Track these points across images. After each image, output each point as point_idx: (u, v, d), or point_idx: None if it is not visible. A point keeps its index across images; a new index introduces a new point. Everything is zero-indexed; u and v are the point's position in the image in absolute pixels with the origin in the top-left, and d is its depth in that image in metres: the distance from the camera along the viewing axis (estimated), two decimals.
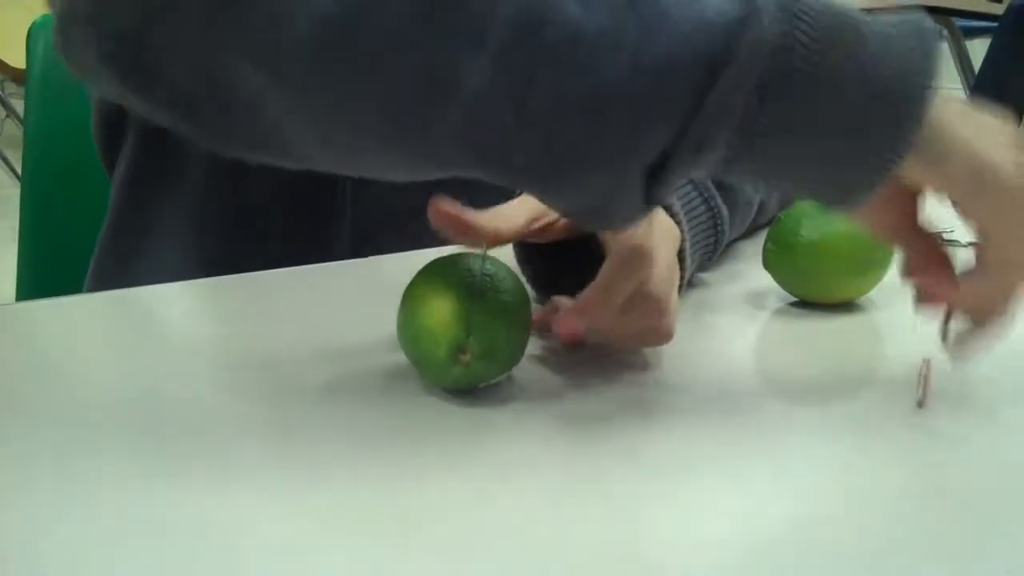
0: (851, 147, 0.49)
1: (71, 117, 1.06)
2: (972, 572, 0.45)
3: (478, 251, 0.58)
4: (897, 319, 0.71)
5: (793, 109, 0.48)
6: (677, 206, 0.67)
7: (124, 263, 0.89)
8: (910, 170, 0.50)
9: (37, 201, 1.09)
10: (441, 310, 0.56)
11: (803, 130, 0.48)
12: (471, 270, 0.57)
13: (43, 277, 1.07)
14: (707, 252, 0.72)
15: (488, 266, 0.57)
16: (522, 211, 0.63)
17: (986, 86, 2.31)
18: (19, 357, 0.65)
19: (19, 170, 1.14)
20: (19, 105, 3.42)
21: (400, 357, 0.60)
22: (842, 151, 0.49)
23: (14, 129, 3.68)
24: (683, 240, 0.66)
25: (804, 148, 0.49)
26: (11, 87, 3.96)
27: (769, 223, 0.77)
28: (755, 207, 0.80)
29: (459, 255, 0.59)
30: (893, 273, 0.70)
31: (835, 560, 0.45)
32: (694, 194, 0.70)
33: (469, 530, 0.47)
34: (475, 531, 0.47)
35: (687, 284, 0.72)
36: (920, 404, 0.58)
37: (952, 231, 0.83)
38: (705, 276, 0.76)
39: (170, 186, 0.86)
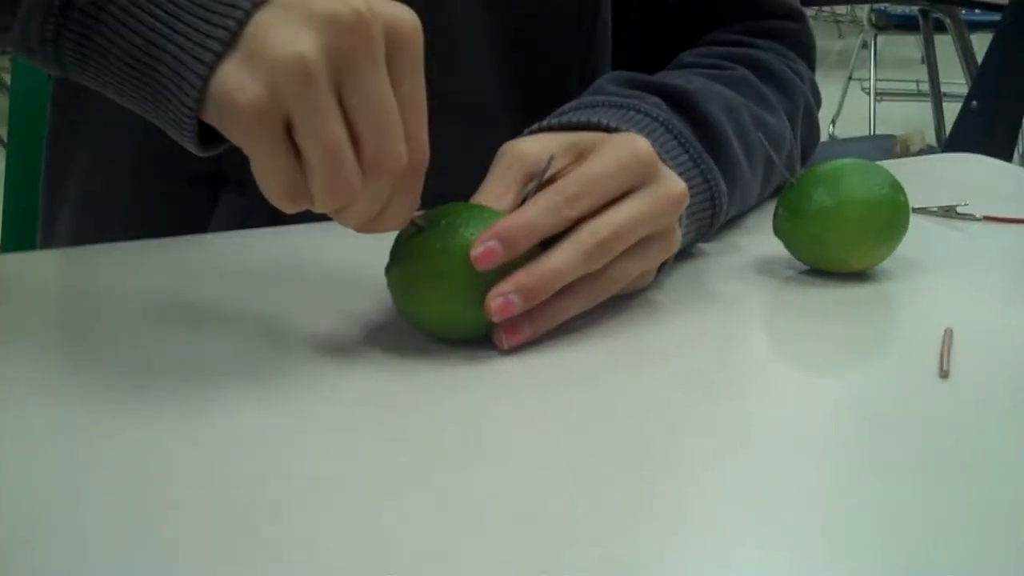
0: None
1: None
2: (997, 544, 0.42)
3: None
4: (914, 289, 0.68)
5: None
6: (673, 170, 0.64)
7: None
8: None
9: (23, 161, 1.06)
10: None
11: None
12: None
13: (27, 237, 1.05)
14: (703, 225, 0.69)
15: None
16: (511, 188, 0.61)
17: (988, 81, 2.29)
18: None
19: None
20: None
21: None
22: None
23: (6, 103, 3.65)
24: None
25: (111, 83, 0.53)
26: (3, 62, 3.93)
27: (776, 192, 0.75)
28: (756, 183, 0.76)
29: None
30: (909, 242, 0.68)
31: (854, 531, 0.43)
32: (689, 164, 0.67)
33: (478, 489, 0.45)
34: (480, 488, 0.45)
35: (680, 252, 0.68)
36: (943, 375, 0.55)
37: (966, 204, 0.81)
38: (707, 247, 0.73)
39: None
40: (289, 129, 0.50)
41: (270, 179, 0.50)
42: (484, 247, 0.55)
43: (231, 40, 0.49)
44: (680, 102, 0.71)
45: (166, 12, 0.50)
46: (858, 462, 0.48)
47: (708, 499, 0.45)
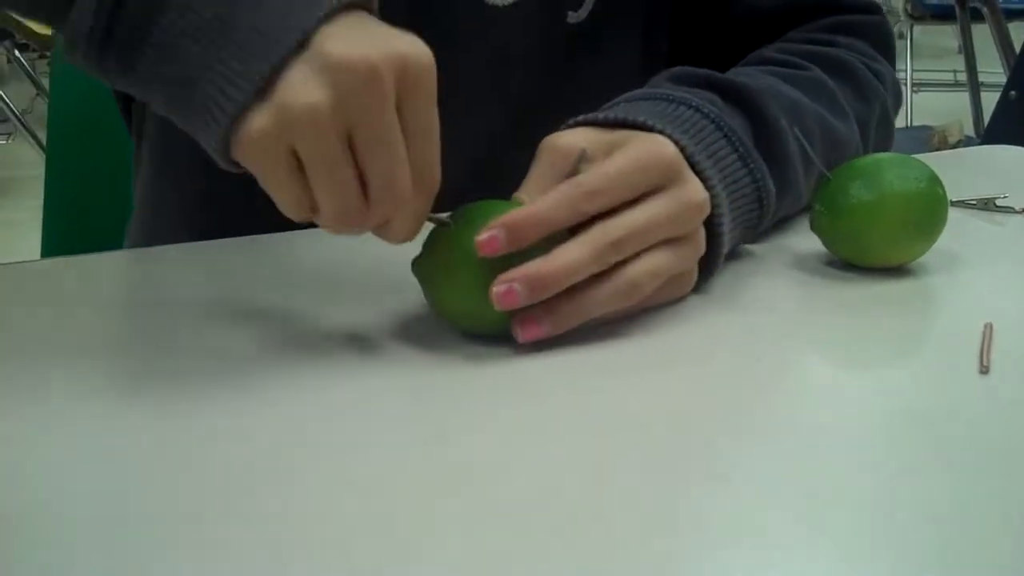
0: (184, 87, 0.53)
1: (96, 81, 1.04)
2: None
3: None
4: (953, 283, 0.67)
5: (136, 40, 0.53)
6: (711, 171, 0.64)
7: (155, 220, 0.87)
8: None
9: (62, 166, 1.07)
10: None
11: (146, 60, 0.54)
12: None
13: (66, 242, 1.06)
14: (749, 226, 0.69)
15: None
16: (553, 184, 0.60)
17: None
18: (38, 311, 0.63)
19: None
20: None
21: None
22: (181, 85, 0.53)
23: (45, 108, 3.68)
24: (717, 203, 0.63)
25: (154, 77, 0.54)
26: (42, 66, 3.97)
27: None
28: (808, 188, 0.75)
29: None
30: (947, 235, 0.68)
31: (894, 529, 0.42)
32: (738, 163, 0.66)
33: (495, 491, 0.45)
34: (503, 492, 0.45)
35: (725, 255, 0.68)
36: (983, 370, 0.55)
37: (1005, 196, 0.81)
38: (742, 246, 0.73)
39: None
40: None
41: (280, 202, 0.54)
42: (488, 234, 0.55)
43: (262, 85, 0.51)
44: (739, 99, 0.70)
45: (203, 49, 0.53)
46: (898, 459, 0.48)
47: (747, 499, 0.45)
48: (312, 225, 0.75)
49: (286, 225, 0.74)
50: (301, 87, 0.51)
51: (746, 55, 0.84)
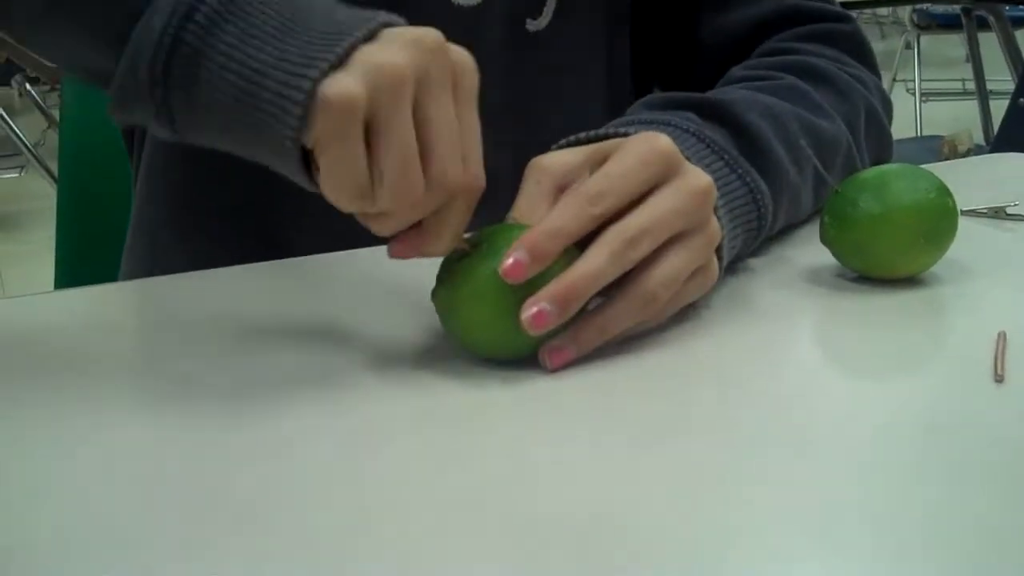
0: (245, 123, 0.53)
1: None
2: None
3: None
4: (965, 293, 0.67)
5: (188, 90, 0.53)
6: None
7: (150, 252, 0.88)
8: None
9: (73, 197, 1.08)
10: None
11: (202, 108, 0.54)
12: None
13: (78, 273, 1.07)
14: (750, 230, 0.69)
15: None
16: (544, 201, 0.61)
17: None
18: (51, 342, 0.63)
19: None
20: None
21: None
22: (240, 124, 0.53)
23: (57, 140, 3.71)
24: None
25: (213, 121, 0.54)
26: (53, 99, 4.01)
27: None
28: (807, 190, 0.75)
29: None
30: (958, 245, 0.67)
31: (912, 540, 0.42)
32: (725, 170, 0.67)
33: (509, 515, 0.45)
34: (516, 515, 0.45)
35: (728, 264, 0.67)
36: (998, 379, 0.55)
37: (1016, 204, 0.80)
38: (753, 261, 0.73)
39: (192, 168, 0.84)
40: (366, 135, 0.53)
41: (342, 175, 0.53)
42: (512, 259, 0.55)
43: (336, 63, 0.52)
44: (715, 113, 0.71)
45: (273, 46, 0.53)
46: (915, 470, 0.48)
47: (766, 512, 0.44)
48: (308, 251, 0.75)
49: (273, 255, 0.74)
50: (382, 52, 0.52)
51: (718, 73, 0.85)
